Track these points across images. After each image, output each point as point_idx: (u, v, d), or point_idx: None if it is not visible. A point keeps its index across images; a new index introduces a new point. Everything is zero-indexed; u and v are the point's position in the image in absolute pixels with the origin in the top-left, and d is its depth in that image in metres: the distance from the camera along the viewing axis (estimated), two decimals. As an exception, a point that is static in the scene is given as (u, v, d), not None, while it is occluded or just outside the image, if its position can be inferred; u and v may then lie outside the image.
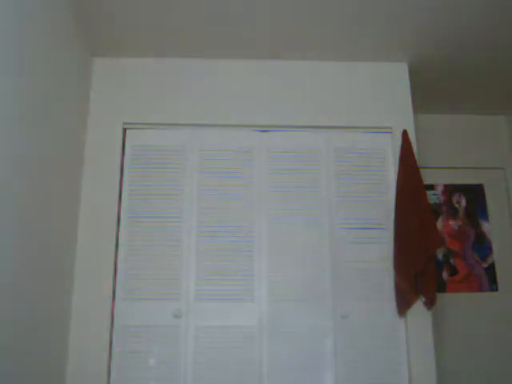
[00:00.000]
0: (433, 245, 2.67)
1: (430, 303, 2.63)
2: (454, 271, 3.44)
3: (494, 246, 3.49)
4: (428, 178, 3.59)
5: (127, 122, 2.86)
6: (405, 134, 2.86)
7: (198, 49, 2.88)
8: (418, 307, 2.65)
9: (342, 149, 2.89)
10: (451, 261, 3.46)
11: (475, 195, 3.59)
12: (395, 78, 3.01)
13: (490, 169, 3.66)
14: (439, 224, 3.52)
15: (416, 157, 2.82)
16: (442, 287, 3.38)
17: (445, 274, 3.43)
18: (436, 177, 3.60)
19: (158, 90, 2.91)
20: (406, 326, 2.64)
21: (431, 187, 3.58)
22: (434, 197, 3.57)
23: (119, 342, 2.57)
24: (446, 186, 3.60)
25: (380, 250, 2.74)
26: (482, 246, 3.50)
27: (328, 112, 2.92)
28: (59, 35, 2.36)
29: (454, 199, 3.58)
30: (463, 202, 3.57)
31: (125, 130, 2.87)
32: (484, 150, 3.68)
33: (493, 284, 3.43)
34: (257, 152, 2.86)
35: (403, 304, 2.63)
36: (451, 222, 3.54)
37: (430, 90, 3.36)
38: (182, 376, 2.53)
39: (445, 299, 3.36)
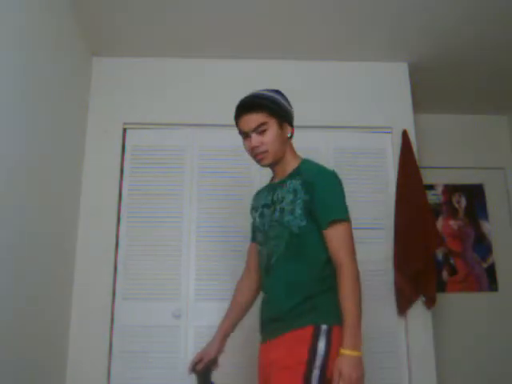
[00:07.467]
0: (432, 244, 2.68)
1: (430, 303, 2.63)
2: (453, 271, 3.44)
3: (494, 246, 3.49)
4: (428, 178, 3.58)
5: (127, 122, 2.86)
6: (405, 134, 2.86)
7: (197, 49, 2.88)
8: (418, 307, 2.65)
9: (342, 149, 2.89)
10: (451, 261, 3.46)
11: (475, 195, 3.59)
12: (395, 77, 3.00)
13: (490, 169, 3.65)
14: (439, 224, 3.51)
15: (416, 157, 2.82)
16: (442, 287, 3.37)
17: (445, 274, 3.43)
18: (436, 177, 3.59)
19: (158, 90, 2.91)
20: (405, 326, 2.64)
21: (431, 187, 3.57)
22: (433, 197, 3.57)
23: (119, 342, 2.57)
24: (446, 186, 3.60)
25: (380, 249, 2.74)
26: (482, 246, 3.50)
27: (328, 112, 2.92)
28: (59, 35, 2.36)
29: (454, 199, 3.58)
30: (463, 202, 3.57)
31: (125, 130, 2.87)
32: (484, 150, 3.68)
33: (493, 284, 3.43)
34: (257, 152, 2.85)
35: (403, 304, 2.63)
36: (451, 222, 3.54)
37: (430, 90, 3.35)
38: (181, 376, 2.52)
39: (445, 299, 3.35)
